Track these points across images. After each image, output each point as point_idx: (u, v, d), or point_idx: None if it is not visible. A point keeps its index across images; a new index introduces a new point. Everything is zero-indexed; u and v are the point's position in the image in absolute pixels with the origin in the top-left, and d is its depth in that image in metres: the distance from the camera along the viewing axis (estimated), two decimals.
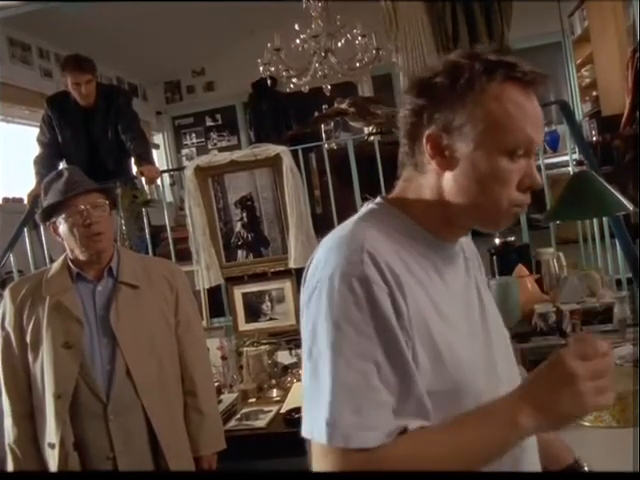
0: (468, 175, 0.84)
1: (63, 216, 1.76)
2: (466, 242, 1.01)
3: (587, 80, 5.59)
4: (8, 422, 1.80)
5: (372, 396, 0.75)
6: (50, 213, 1.80)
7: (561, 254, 2.63)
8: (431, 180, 0.87)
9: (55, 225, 1.80)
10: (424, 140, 0.86)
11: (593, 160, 3.05)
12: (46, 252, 3.68)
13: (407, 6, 4.51)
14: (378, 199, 0.92)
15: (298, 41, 4.43)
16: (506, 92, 0.83)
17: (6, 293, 1.85)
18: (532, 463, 0.94)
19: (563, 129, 5.33)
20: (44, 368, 1.74)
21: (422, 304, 0.82)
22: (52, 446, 1.72)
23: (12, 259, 3.43)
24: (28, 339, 1.77)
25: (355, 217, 0.90)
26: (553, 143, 5.61)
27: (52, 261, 3.75)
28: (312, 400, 0.79)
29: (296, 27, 4.42)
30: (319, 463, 0.77)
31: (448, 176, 0.86)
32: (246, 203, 3.28)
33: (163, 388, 1.81)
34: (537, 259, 2.65)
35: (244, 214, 3.28)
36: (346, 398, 0.75)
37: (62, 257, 1.86)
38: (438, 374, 0.81)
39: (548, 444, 1.08)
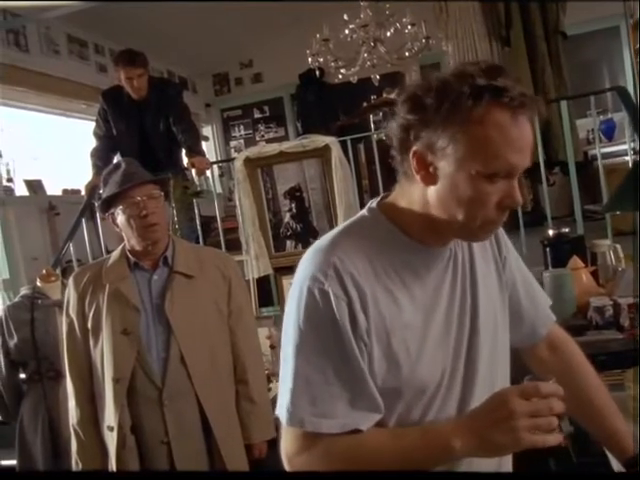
0: (448, 193, 0.88)
1: (121, 207, 1.81)
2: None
3: None
4: (72, 404, 1.88)
5: (327, 389, 0.87)
6: (108, 204, 1.85)
7: (618, 246, 2.55)
8: (418, 190, 0.92)
9: (114, 216, 1.85)
10: (410, 155, 0.89)
11: None
12: (102, 242, 3.81)
13: None
14: (373, 204, 0.99)
15: (347, 31, 4.41)
16: (491, 117, 0.84)
17: (70, 281, 1.93)
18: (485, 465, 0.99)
19: (619, 117, 5.14)
20: (104, 353, 1.81)
21: (385, 312, 0.90)
22: (111, 429, 1.79)
23: (72, 248, 3.56)
24: (89, 325, 1.84)
25: (344, 224, 1.00)
26: (608, 132, 5.41)
27: (108, 251, 3.91)
28: (281, 388, 0.92)
29: (345, 17, 4.40)
30: (282, 441, 0.91)
31: (431, 190, 0.90)
32: (295, 194, 3.31)
33: (216, 376, 1.85)
34: (592, 251, 2.58)
35: (293, 205, 3.31)
36: (304, 389, 0.88)
37: (120, 247, 1.92)
38: (394, 374, 0.90)
39: (613, 433, 1.09)
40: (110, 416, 1.79)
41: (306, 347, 0.89)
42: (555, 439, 0.82)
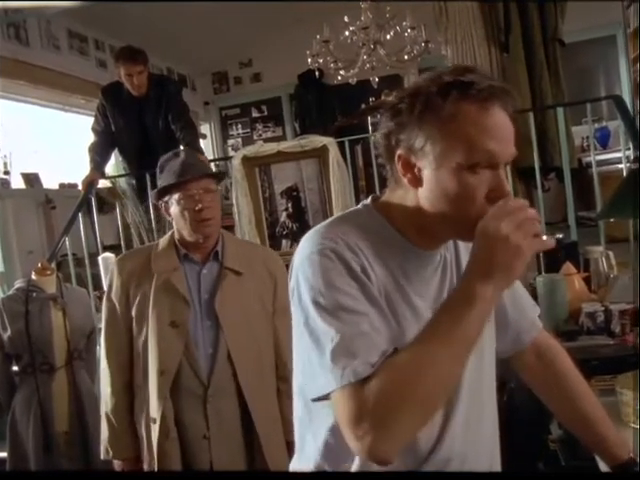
0: (435, 191, 0.89)
1: (176, 197, 1.78)
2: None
3: None
4: (107, 391, 1.85)
5: (366, 341, 0.83)
6: (163, 193, 1.82)
7: (610, 253, 2.58)
8: (409, 194, 0.93)
9: (167, 204, 1.82)
10: (396, 160, 0.92)
11: None
12: (98, 237, 3.81)
13: None
14: (367, 201, 1.00)
15: (347, 33, 4.42)
16: (461, 111, 0.86)
17: (114, 265, 1.90)
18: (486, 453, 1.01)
19: (613, 126, 5.18)
20: (149, 344, 1.77)
21: (385, 282, 0.90)
22: (154, 421, 1.77)
23: (67, 243, 3.57)
24: (133, 313, 1.81)
25: (338, 214, 1.01)
26: (603, 139, 5.44)
27: (104, 246, 3.93)
28: (318, 364, 0.84)
29: (345, 19, 4.42)
30: (339, 414, 0.83)
31: (421, 192, 0.91)
32: (292, 193, 3.33)
33: (260, 374, 1.82)
34: (585, 257, 2.60)
35: (289, 204, 3.33)
36: (345, 348, 0.82)
37: (168, 235, 1.88)
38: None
39: (602, 439, 1.10)
40: (153, 408, 1.77)
41: (335, 308, 0.85)
42: (550, 242, 0.83)
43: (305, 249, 0.91)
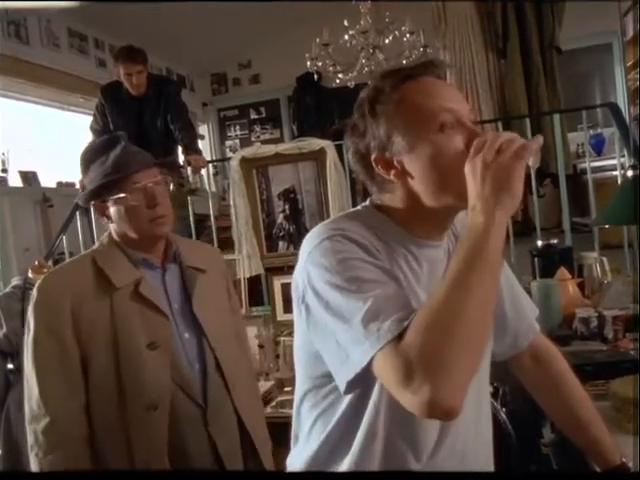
0: (424, 169, 0.90)
1: (121, 195, 1.45)
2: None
3: (637, 83, 5.45)
4: (57, 456, 1.38)
5: (392, 302, 0.82)
6: (101, 191, 1.47)
7: (604, 259, 2.60)
8: (402, 190, 0.94)
9: (103, 205, 1.49)
10: (374, 165, 0.94)
11: None
12: (95, 236, 3.81)
13: (457, 3, 4.49)
14: (366, 203, 1.02)
15: (346, 36, 4.44)
16: (405, 90, 0.92)
17: (39, 294, 1.45)
18: (482, 456, 1.02)
19: (608, 133, 5.21)
20: (123, 377, 1.41)
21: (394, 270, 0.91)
22: (147, 463, 1.42)
23: (64, 241, 3.57)
24: (86, 345, 1.41)
25: (339, 214, 1.02)
26: (598, 146, 5.48)
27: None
28: (350, 340, 0.82)
29: (345, 23, 4.44)
30: (386, 378, 0.79)
31: (410, 182, 0.93)
32: (289, 195, 3.33)
33: (246, 378, 1.65)
34: (580, 263, 2.62)
35: (287, 206, 3.33)
36: (374, 313, 0.80)
37: (106, 241, 1.54)
38: None
39: (596, 443, 1.11)
40: (148, 453, 1.42)
41: (356, 285, 0.83)
42: (537, 141, 0.85)
43: (311, 241, 0.91)
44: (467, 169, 0.84)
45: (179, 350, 1.48)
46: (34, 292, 1.46)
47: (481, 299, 0.78)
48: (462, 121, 0.90)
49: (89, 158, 1.51)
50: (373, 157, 0.94)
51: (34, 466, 1.40)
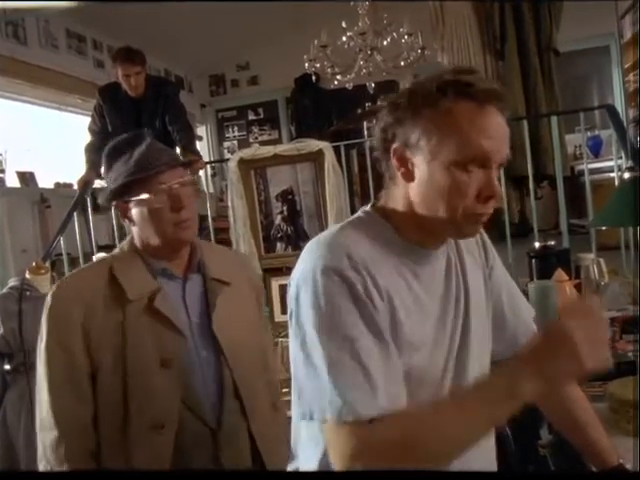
0: (426, 186, 0.91)
1: (143, 195, 1.35)
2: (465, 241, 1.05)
3: (634, 85, 5.46)
4: (66, 469, 1.33)
5: (367, 370, 0.82)
6: (124, 190, 1.37)
7: (602, 260, 2.60)
8: (402, 191, 0.95)
9: (126, 206, 1.39)
10: (392, 154, 0.94)
11: None
12: (93, 237, 3.81)
13: (454, 5, 4.50)
14: (368, 207, 1.01)
15: (344, 38, 4.45)
16: (457, 107, 0.88)
17: (53, 300, 1.38)
18: (484, 461, 1.02)
19: (605, 134, 5.23)
20: (130, 395, 1.33)
21: (393, 298, 0.89)
22: None
23: (62, 242, 3.57)
24: (97, 359, 1.34)
25: (342, 223, 0.99)
26: (595, 148, 5.50)
27: (98, 246, 3.92)
28: (310, 387, 0.85)
29: (343, 24, 4.45)
30: (334, 444, 0.83)
31: (412, 187, 0.93)
32: (287, 197, 3.33)
33: (265, 403, 1.49)
34: (577, 264, 2.62)
35: (284, 207, 3.33)
36: (346, 380, 0.82)
37: (126, 246, 1.44)
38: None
39: (593, 444, 1.12)
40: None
41: (334, 332, 0.84)
42: (609, 362, 0.83)
43: (308, 263, 0.90)
44: (555, 327, 0.81)
45: (194, 369, 1.37)
46: (48, 298, 1.38)
47: (459, 443, 0.81)
48: (488, 168, 0.89)
49: (112, 155, 1.42)
50: (394, 146, 0.93)
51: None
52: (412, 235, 0.95)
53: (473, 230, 0.95)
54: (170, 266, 1.41)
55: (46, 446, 1.34)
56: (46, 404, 1.35)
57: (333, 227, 0.98)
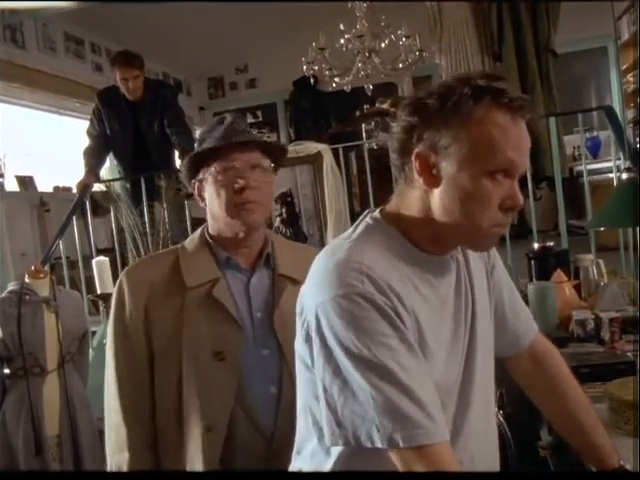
0: (452, 194, 0.87)
1: (212, 171, 1.30)
2: None
3: (632, 86, 5.48)
4: (123, 458, 1.32)
5: (411, 400, 0.81)
6: (198, 166, 1.33)
7: (601, 261, 2.61)
8: (420, 196, 0.91)
9: (201, 185, 1.35)
10: (413, 157, 0.89)
11: None
12: (92, 240, 3.81)
13: (452, 6, 4.51)
14: (375, 213, 0.97)
15: (342, 40, 4.46)
16: (491, 116, 0.86)
17: (123, 279, 1.37)
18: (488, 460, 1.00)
19: (604, 135, 5.24)
20: (185, 387, 1.28)
21: (418, 314, 0.88)
22: None
23: (61, 245, 3.56)
24: (156, 344, 1.32)
25: (352, 235, 0.94)
26: (594, 149, 5.52)
27: (98, 250, 3.92)
28: (355, 413, 0.82)
29: (341, 27, 4.46)
30: (406, 466, 0.81)
31: (434, 194, 0.89)
32: (286, 199, 3.34)
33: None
34: (576, 265, 2.62)
35: (283, 210, 3.34)
36: (390, 410, 0.80)
37: (198, 234, 1.40)
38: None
39: (593, 445, 1.11)
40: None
41: (371, 359, 0.82)
42: None
43: (328, 286, 0.86)
44: None
45: (252, 367, 1.29)
46: (119, 280, 1.38)
47: None
48: (512, 178, 0.88)
49: (202, 136, 1.39)
50: (417, 150, 0.89)
51: (108, 462, 1.37)
52: (425, 243, 0.93)
53: (492, 243, 0.95)
54: (236, 256, 1.35)
55: (110, 432, 1.34)
56: (113, 388, 1.34)
57: (343, 240, 0.94)
